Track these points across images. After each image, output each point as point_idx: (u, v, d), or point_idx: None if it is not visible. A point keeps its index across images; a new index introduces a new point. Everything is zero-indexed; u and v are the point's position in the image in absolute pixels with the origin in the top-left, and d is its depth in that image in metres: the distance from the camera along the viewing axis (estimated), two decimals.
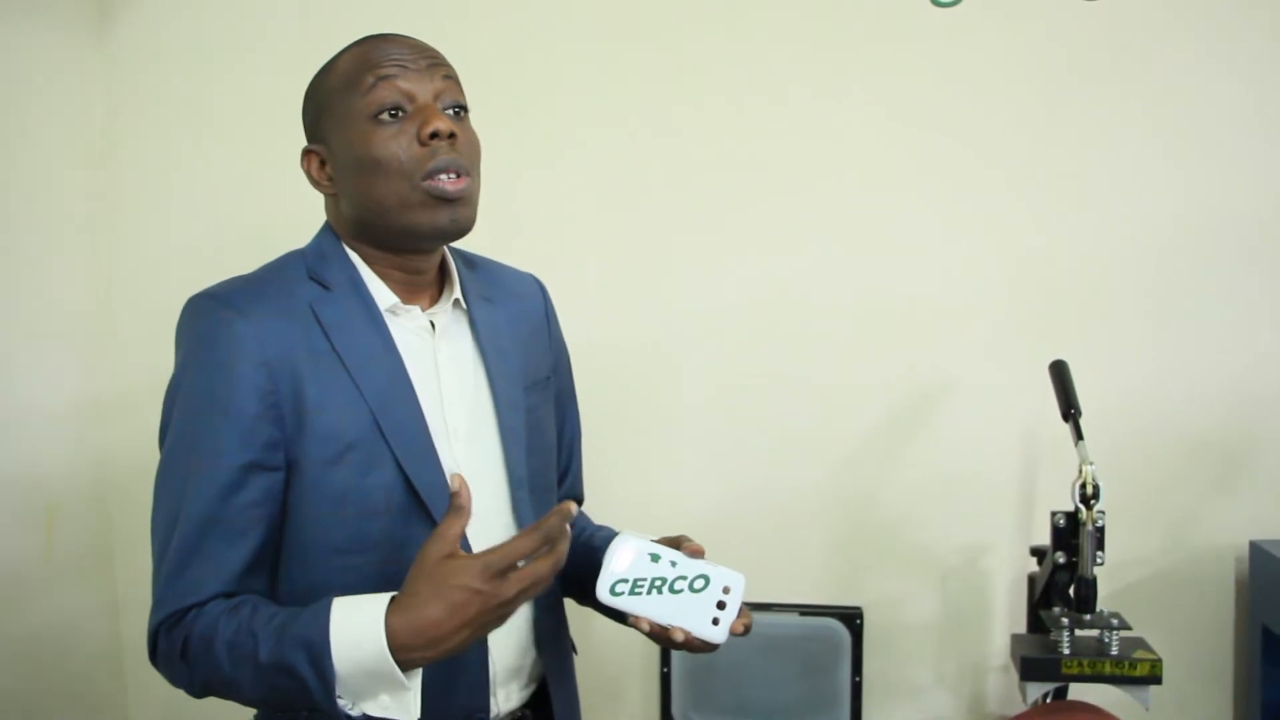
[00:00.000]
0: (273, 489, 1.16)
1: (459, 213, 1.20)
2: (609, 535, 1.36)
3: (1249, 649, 2.03)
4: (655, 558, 1.12)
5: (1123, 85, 2.07)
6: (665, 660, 2.14)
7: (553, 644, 1.33)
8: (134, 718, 2.40)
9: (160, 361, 2.32)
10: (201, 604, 1.12)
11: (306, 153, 1.27)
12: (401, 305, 1.24)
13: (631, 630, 2.24)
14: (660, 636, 1.13)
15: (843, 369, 2.17)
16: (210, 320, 1.18)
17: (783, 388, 2.19)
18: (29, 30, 2.15)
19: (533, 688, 1.31)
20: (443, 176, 1.17)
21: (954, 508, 2.15)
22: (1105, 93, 2.07)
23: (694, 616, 1.11)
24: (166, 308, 2.37)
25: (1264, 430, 2.06)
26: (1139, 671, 1.72)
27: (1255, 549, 2.00)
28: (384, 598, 1.05)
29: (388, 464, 1.18)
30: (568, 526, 1.03)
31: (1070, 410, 1.81)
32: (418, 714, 1.06)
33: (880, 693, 2.17)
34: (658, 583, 1.11)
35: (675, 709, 2.14)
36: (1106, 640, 1.74)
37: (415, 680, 1.06)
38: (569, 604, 1.42)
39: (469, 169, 1.20)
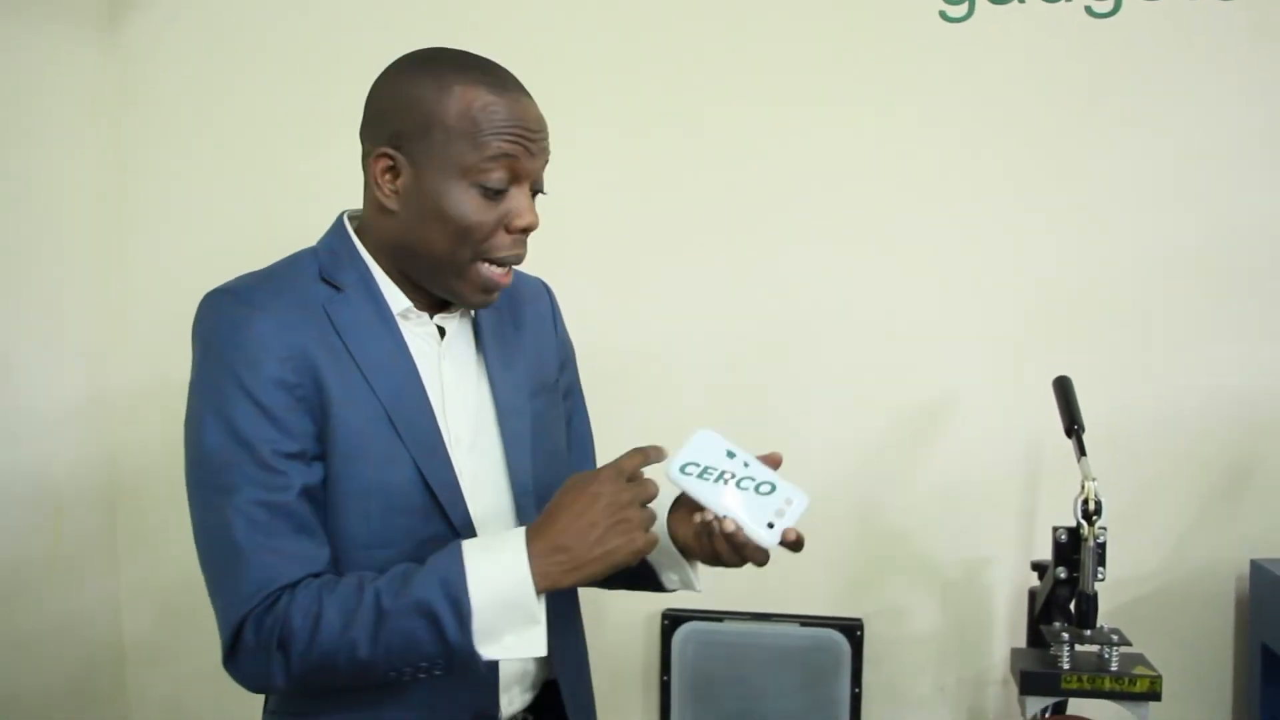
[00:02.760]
0: (317, 479, 1.15)
1: (492, 299, 1.22)
2: None
3: (1249, 667, 2.03)
4: (731, 454, 1.15)
5: (1130, 103, 2.07)
6: (665, 669, 2.15)
7: (563, 643, 1.32)
8: (135, 716, 2.41)
9: (169, 363, 2.34)
10: (292, 585, 1.10)
11: (381, 155, 1.19)
12: (414, 310, 1.24)
13: (632, 640, 2.26)
14: (711, 530, 1.14)
15: (844, 381, 2.18)
16: (229, 317, 1.16)
17: (783, 400, 2.19)
18: (40, 30, 2.16)
19: (535, 691, 1.32)
20: (499, 269, 1.19)
21: (956, 521, 2.15)
22: (1112, 110, 2.08)
23: (751, 514, 1.12)
24: (176, 308, 2.38)
25: (1266, 449, 2.06)
26: (1138, 688, 1.72)
27: (1256, 567, 2.00)
28: (518, 530, 1.10)
29: (405, 463, 1.18)
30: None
31: (1073, 426, 1.81)
32: (544, 650, 1.09)
33: (880, 704, 2.18)
34: (726, 475, 1.14)
35: (675, 717, 2.15)
36: (1106, 656, 1.74)
37: (543, 614, 1.08)
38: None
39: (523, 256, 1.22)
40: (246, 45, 2.31)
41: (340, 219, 1.27)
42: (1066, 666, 1.74)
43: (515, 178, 1.17)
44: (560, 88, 2.22)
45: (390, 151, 1.18)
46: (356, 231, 1.25)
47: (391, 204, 1.19)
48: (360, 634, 1.07)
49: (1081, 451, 1.77)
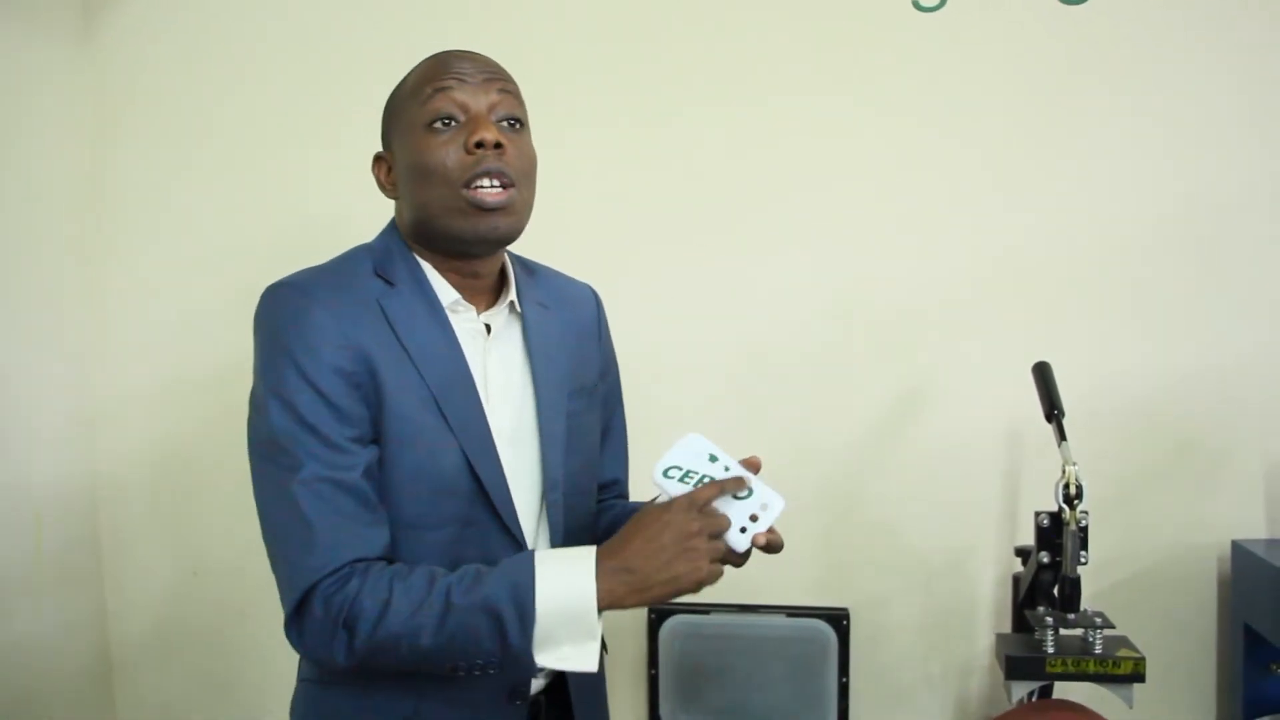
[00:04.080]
0: (375, 458, 1.20)
1: (499, 221, 1.25)
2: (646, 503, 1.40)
3: (1231, 647, 2.05)
4: (713, 458, 1.20)
5: (1103, 89, 2.08)
6: (653, 662, 2.15)
7: None
8: None
9: (152, 371, 2.35)
10: (360, 563, 1.15)
11: (377, 159, 1.34)
12: (462, 302, 1.30)
13: (620, 631, 2.26)
14: None
15: (826, 371, 2.18)
16: (291, 308, 1.21)
17: (766, 391, 2.20)
18: (13, 37, 2.14)
19: (551, 677, 1.36)
20: (484, 183, 1.23)
21: (939, 509, 2.16)
22: (1086, 97, 2.09)
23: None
24: (158, 316, 2.40)
25: (1246, 430, 2.07)
26: (1123, 670, 1.73)
27: (1237, 548, 2.02)
28: (589, 547, 1.16)
29: (454, 451, 1.23)
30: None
31: (1053, 412, 1.82)
32: (596, 666, 1.14)
33: (867, 693, 2.18)
34: (706, 479, 1.18)
35: (663, 710, 2.15)
36: (1090, 639, 1.76)
37: (600, 631, 1.14)
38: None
39: (515, 179, 1.25)
40: (223, 48, 2.30)
41: (391, 222, 1.35)
42: (1051, 651, 1.76)
43: (461, 108, 1.25)
44: (546, 89, 2.21)
45: (382, 154, 1.34)
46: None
47: (395, 194, 1.32)
48: (427, 622, 1.12)
49: (1062, 437, 1.78)
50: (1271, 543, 2.04)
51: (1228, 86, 2.05)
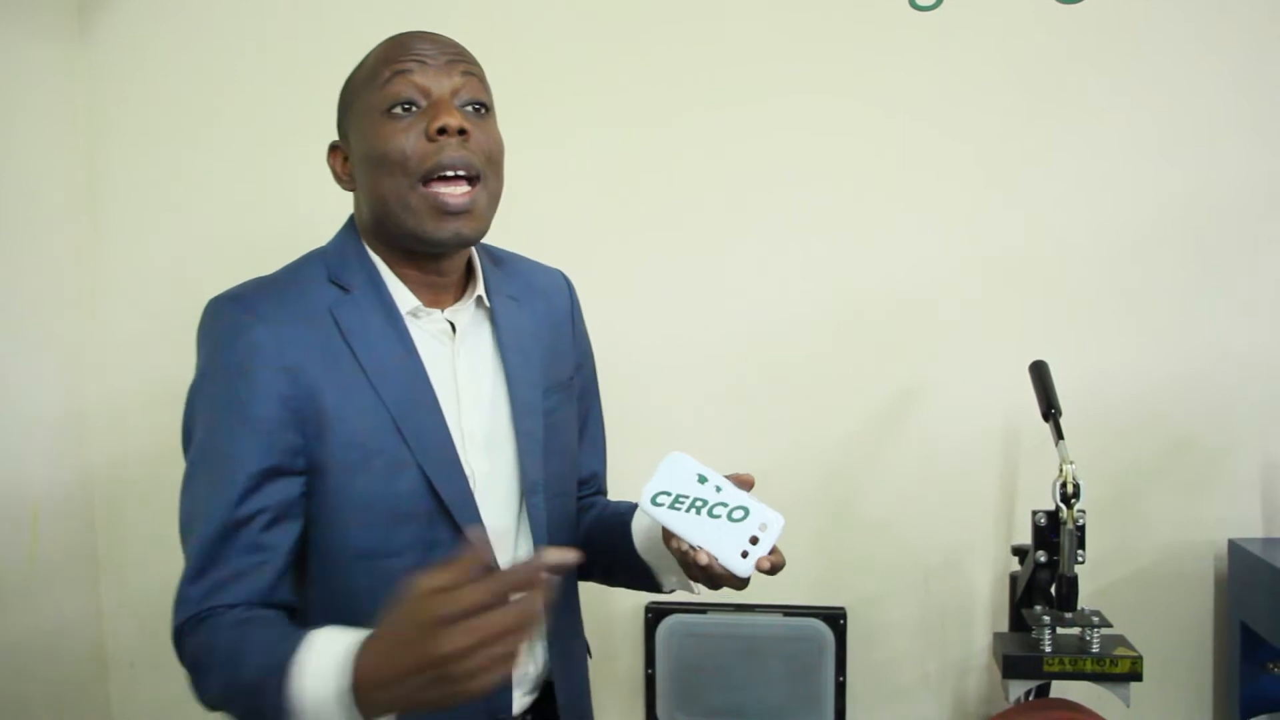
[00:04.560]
0: (295, 495, 1.14)
1: (462, 226, 1.17)
2: (632, 505, 1.36)
3: (1228, 646, 2.05)
4: (703, 479, 1.12)
5: (1099, 88, 2.08)
6: (650, 661, 2.15)
7: (561, 642, 1.31)
8: None
9: (145, 370, 2.35)
10: (219, 610, 1.09)
11: (333, 148, 1.27)
12: (423, 308, 1.22)
13: (616, 631, 2.26)
14: (687, 559, 1.12)
15: (823, 369, 2.18)
16: (230, 324, 1.16)
17: (764, 391, 2.20)
18: (9, 37, 2.13)
19: (537, 693, 1.30)
20: (446, 178, 1.15)
21: (936, 508, 2.16)
22: (1082, 95, 2.09)
23: (725, 544, 1.10)
24: (152, 315, 2.40)
25: (1243, 429, 2.08)
26: (1120, 669, 1.73)
27: (1234, 547, 2.02)
28: (364, 633, 0.97)
29: (412, 470, 1.16)
30: (544, 576, 0.90)
31: (1050, 410, 1.82)
32: None
33: (865, 692, 2.18)
34: (698, 503, 1.11)
35: (660, 710, 2.15)
36: (1088, 638, 1.76)
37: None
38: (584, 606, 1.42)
39: (480, 170, 1.17)
40: (217, 49, 2.29)
41: (350, 220, 1.28)
42: (1048, 649, 1.76)
43: (422, 92, 1.17)
44: (548, 87, 2.23)
45: (337, 143, 1.27)
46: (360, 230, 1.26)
47: (351, 186, 1.24)
48: (234, 696, 1.05)
49: (1059, 435, 1.78)
50: (1268, 541, 2.04)
51: (1224, 86, 2.05)
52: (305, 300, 1.18)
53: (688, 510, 1.11)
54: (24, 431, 2.17)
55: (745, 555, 1.09)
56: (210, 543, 1.10)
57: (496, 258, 1.36)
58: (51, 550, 2.23)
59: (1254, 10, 2.04)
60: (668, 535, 1.13)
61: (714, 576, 1.12)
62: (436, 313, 1.24)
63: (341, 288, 1.20)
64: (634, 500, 1.40)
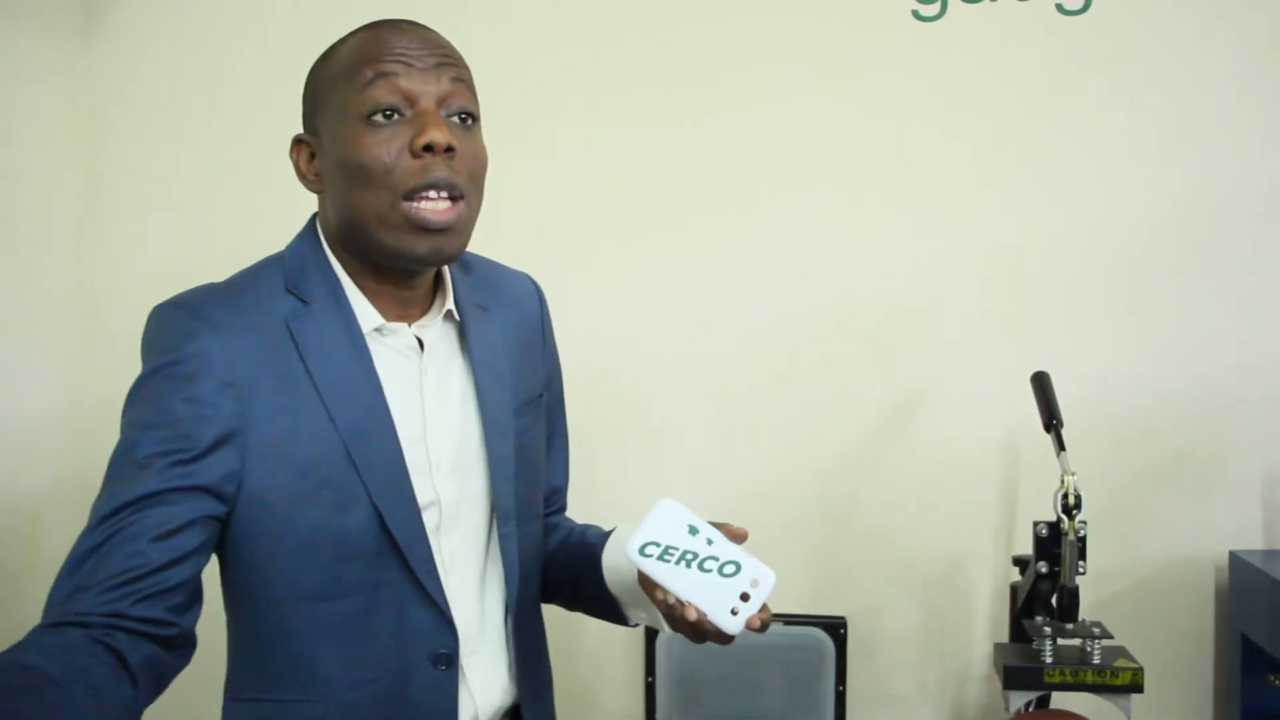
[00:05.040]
0: (211, 522, 1.03)
1: (444, 244, 1.07)
2: (600, 532, 1.31)
3: (1229, 658, 2.05)
4: (694, 530, 1.07)
5: (1101, 98, 2.09)
6: (650, 669, 2.14)
7: (528, 668, 1.24)
8: None
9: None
10: (82, 618, 0.99)
11: (297, 143, 1.15)
12: (388, 325, 1.13)
13: (616, 639, 2.25)
14: (674, 613, 1.06)
15: (824, 378, 2.18)
16: (175, 331, 1.06)
17: (763, 398, 2.20)
18: (12, 36, 2.14)
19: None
20: (429, 198, 1.05)
21: (937, 517, 2.16)
22: (1083, 105, 2.09)
23: (714, 600, 1.04)
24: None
25: (1243, 441, 2.08)
26: (1121, 680, 1.73)
27: (1234, 559, 2.02)
28: None
29: (362, 502, 1.07)
30: None
31: (1052, 421, 1.82)
32: None
33: (864, 701, 2.18)
34: (688, 556, 1.05)
35: (660, 718, 2.14)
36: (1088, 649, 1.76)
37: None
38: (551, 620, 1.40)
39: (464, 189, 1.07)
40: (221, 51, 2.30)
41: (311, 222, 1.18)
42: (1049, 660, 1.75)
43: (407, 99, 1.06)
44: (547, 89, 2.23)
45: (304, 137, 1.15)
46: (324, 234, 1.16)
47: (318, 186, 1.13)
48: None
49: (1060, 446, 1.78)
50: (1269, 553, 2.04)
51: (1225, 91, 2.06)
52: (260, 310, 1.08)
53: (677, 563, 1.05)
54: (26, 434, 2.17)
55: (735, 613, 1.04)
56: (93, 538, 1.00)
57: (464, 262, 1.26)
58: (54, 552, 2.22)
59: (1253, 14, 2.05)
60: (650, 585, 1.07)
61: (701, 632, 1.06)
62: (403, 327, 1.14)
63: (300, 299, 1.10)
64: (592, 521, 1.37)
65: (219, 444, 1.03)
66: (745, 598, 1.04)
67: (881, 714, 2.20)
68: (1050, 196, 2.11)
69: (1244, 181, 2.06)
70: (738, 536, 1.08)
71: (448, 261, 1.12)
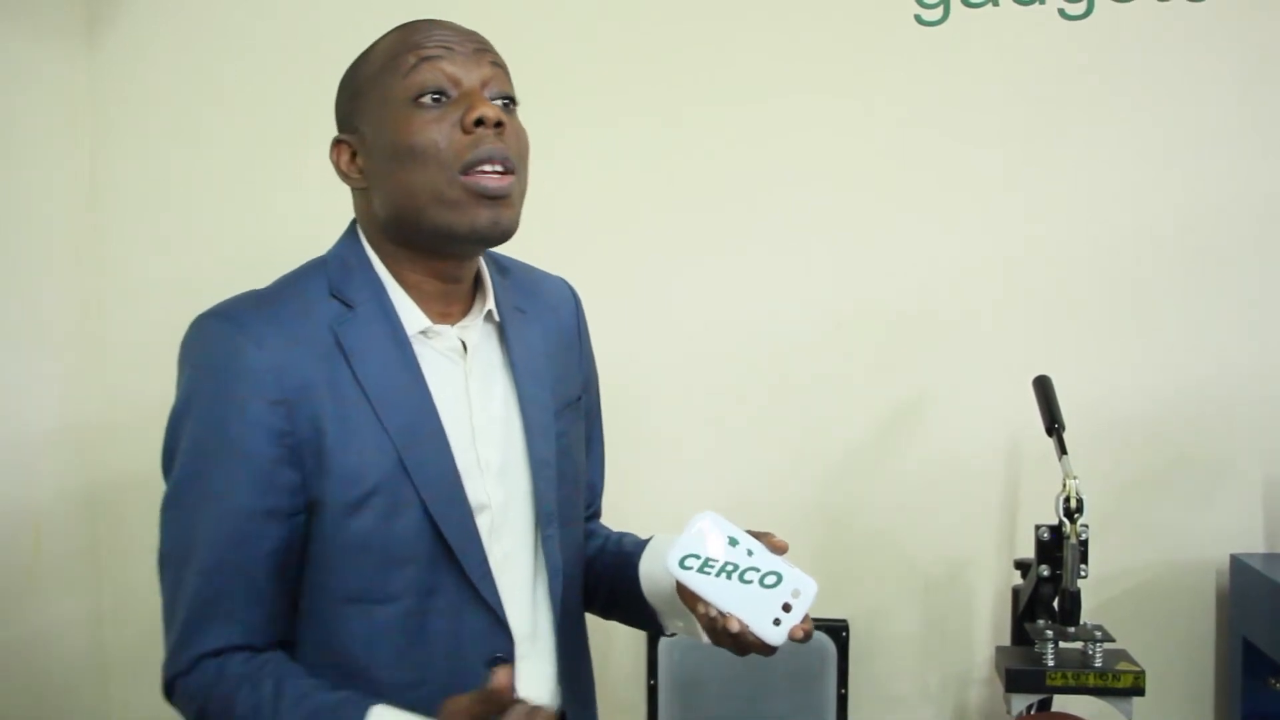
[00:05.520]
0: (292, 536, 1.07)
1: (501, 214, 1.08)
2: (636, 540, 1.32)
3: (1230, 661, 2.05)
4: (734, 542, 1.06)
5: (1102, 103, 2.09)
6: (652, 673, 2.14)
7: (571, 676, 1.25)
8: None
9: (148, 380, 2.31)
10: (220, 654, 1.06)
11: (336, 143, 1.15)
12: (433, 327, 1.14)
13: (619, 644, 2.25)
14: (715, 626, 1.06)
15: (826, 381, 2.18)
16: (220, 347, 1.07)
17: (764, 400, 2.20)
18: (16, 40, 2.14)
19: None
20: (485, 168, 1.06)
21: (939, 521, 2.16)
22: (1085, 109, 2.10)
23: (756, 611, 1.04)
24: (155, 325, 2.37)
25: (1245, 445, 2.08)
26: (1122, 683, 1.73)
27: (1236, 562, 2.02)
28: None
29: (414, 508, 1.08)
30: None
31: (1054, 425, 1.83)
32: None
33: (867, 704, 2.18)
34: (729, 567, 1.05)
35: None
36: (1090, 652, 1.76)
37: None
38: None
39: (515, 164, 1.09)
40: (225, 55, 2.30)
41: (351, 226, 1.18)
42: (1051, 663, 1.76)
43: (452, 81, 1.09)
44: (536, 88, 2.22)
45: (343, 137, 1.15)
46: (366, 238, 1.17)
47: (362, 182, 1.14)
48: None
49: (1062, 450, 1.79)
50: (1270, 557, 2.04)
51: (1226, 99, 2.07)
52: (306, 318, 1.09)
53: (718, 575, 1.05)
54: (29, 440, 2.17)
55: (778, 623, 1.04)
56: (206, 587, 1.05)
57: (502, 265, 1.27)
58: (55, 558, 2.23)
59: (1253, 20, 2.06)
60: (692, 598, 1.08)
61: (743, 644, 1.06)
62: (447, 329, 1.15)
63: (344, 303, 1.11)
64: (628, 531, 1.37)
65: (280, 462, 1.05)
66: (787, 608, 1.04)
67: (884, 717, 2.20)
68: (1051, 201, 2.12)
69: (1244, 186, 2.07)
70: (779, 548, 1.08)
71: (504, 238, 1.11)
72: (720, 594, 1.04)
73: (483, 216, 1.07)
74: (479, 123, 1.06)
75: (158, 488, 2.49)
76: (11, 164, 2.13)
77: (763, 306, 2.20)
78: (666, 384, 2.22)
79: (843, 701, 2.10)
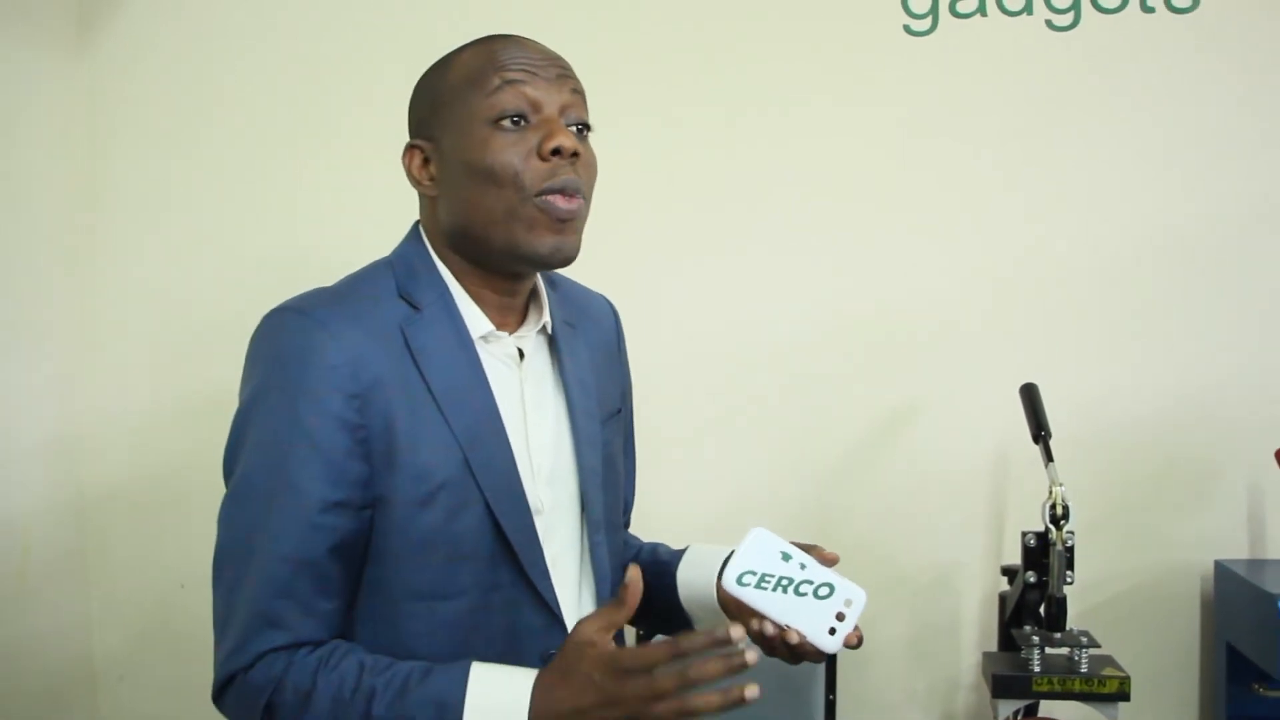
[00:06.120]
0: (361, 529, 1.08)
1: (565, 240, 1.12)
2: (671, 550, 1.35)
3: (1214, 666, 2.07)
4: (786, 557, 1.10)
5: (1089, 112, 2.11)
6: None
7: None
8: None
9: (139, 388, 2.34)
10: (291, 648, 1.05)
11: (410, 148, 1.18)
12: (494, 332, 1.17)
13: None
14: (771, 638, 1.10)
15: (814, 388, 2.19)
16: (298, 340, 1.08)
17: (753, 407, 2.21)
18: (8, 44, 2.13)
19: None
20: (558, 195, 1.10)
21: (926, 527, 2.17)
22: (1072, 119, 2.11)
23: (812, 622, 1.09)
24: (148, 329, 2.39)
25: (1227, 450, 2.09)
26: (1108, 689, 1.75)
27: (1220, 568, 2.04)
28: (530, 672, 1.02)
29: (477, 506, 1.11)
30: (720, 660, 0.97)
31: (1041, 432, 1.84)
32: None
33: (855, 710, 2.19)
34: (784, 581, 1.09)
35: None
36: (1076, 658, 1.77)
37: None
38: None
39: (586, 193, 1.13)
40: (218, 58, 2.30)
41: (415, 228, 1.21)
42: (1037, 669, 1.77)
43: (533, 106, 1.12)
44: None
45: (417, 142, 1.17)
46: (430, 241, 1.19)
47: (432, 190, 1.16)
48: None
49: (1049, 457, 1.80)
50: (1253, 563, 2.06)
51: (1213, 110, 2.08)
52: (375, 316, 1.11)
53: (774, 589, 1.09)
54: (17, 447, 2.16)
55: (833, 632, 1.09)
56: (278, 578, 1.05)
57: (552, 280, 1.31)
58: (43, 565, 2.22)
59: (1239, 30, 2.07)
60: (746, 611, 1.10)
61: (799, 654, 1.11)
62: (506, 336, 1.18)
63: (411, 304, 1.13)
64: (656, 540, 1.42)
65: (352, 455, 1.07)
66: (840, 617, 1.09)
67: None
68: (1039, 210, 2.13)
69: (1229, 196, 2.08)
70: (829, 560, 1.13)
71: (564, 263, 1.15)
72: (778, 608, 1.09)
73: (548, 242, 1.11)
74: (556, 152, 1.10)
75: (147, 495, 2.50)
76: (6, 170, 2.13)
77: (749, 315, 2.20)
78: (655, 390, 2.20)
79: (831, 707, 2.11)
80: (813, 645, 1.09)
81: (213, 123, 2.30)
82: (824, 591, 1.09)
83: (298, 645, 1.06)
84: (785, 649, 1.10)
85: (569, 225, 1.12)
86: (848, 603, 1.10)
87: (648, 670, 0.97)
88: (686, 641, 0.98)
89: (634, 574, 1.00)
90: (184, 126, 2.31)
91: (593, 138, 2.12)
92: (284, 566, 1.05)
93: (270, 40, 2.29)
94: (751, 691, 1.00)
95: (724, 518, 2.20)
